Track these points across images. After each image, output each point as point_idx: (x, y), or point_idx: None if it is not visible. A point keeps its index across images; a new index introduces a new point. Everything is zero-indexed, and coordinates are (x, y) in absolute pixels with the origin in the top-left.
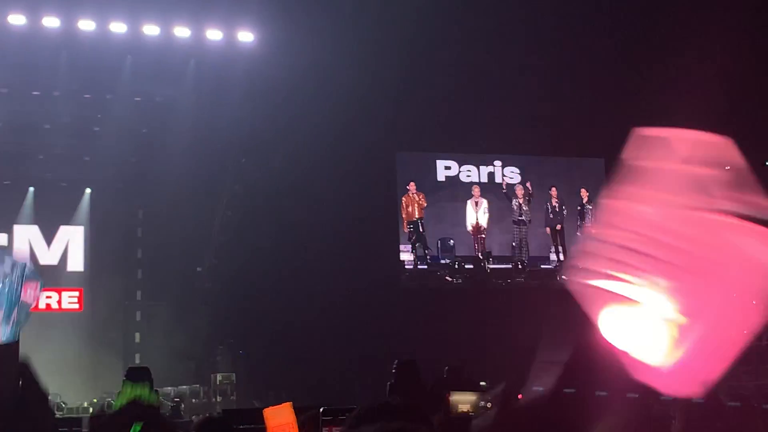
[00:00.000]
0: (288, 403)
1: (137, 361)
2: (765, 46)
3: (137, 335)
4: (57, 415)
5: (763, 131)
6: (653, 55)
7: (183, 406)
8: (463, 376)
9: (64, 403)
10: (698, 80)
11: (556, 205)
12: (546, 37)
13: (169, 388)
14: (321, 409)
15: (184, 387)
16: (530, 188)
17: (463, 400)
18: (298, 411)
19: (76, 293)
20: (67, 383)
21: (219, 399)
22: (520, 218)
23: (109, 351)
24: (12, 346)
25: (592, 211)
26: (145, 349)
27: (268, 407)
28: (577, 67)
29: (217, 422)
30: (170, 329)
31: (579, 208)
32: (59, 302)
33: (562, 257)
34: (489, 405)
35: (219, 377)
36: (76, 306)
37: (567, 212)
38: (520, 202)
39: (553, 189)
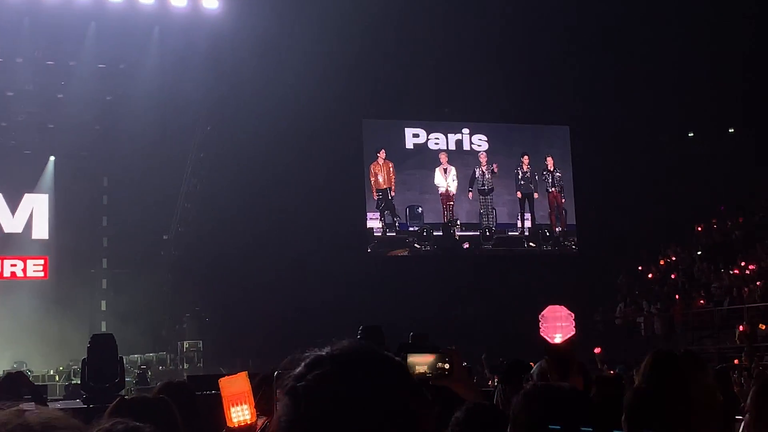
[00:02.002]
0: (243, 372)
1: (103, 328)
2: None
3: (103, 303)
4: None
5: (727, 100)
6: (618, 25)
7: (150, 373)
8: (427, 342)
9: (30, 371)
10: (663, 51)
11: (527, 171)
12: (512, 7)
13: (136, 355)
14: (275, 373)
15: (151, 354)
16: (485, 157)
17: (420, 362)
18: (253, 377)
19: (41, 261)
20: (33, 351)
21: (186, 366)
22: (482, 187)
23: (75, 319)
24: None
25: (559, 178)
26: (111, 316)
27: (223, 377)
28: (542, 37)
29: (177, 387)
30: (136, 297)
31: (545, 173)
32: (24, 270)
33: (528, 224)
34: (447, 366)
35: (186, 344)
36: (41, 274)
37: (537, 179)
38: (483, 170)
39: (525, 157)
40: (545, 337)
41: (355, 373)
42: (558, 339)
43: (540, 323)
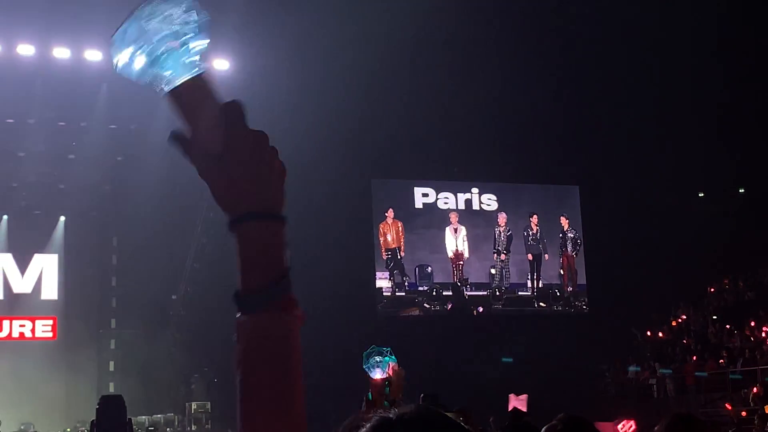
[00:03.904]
0: None
1: (111, 389)
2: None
3: (111, 363)
4: None
5: (737, 160)
6: (628, 84)
7: None
8: (438, 403)
9: None
10: (673, 110)
11: (537, 231)
12: (521, 67)
13: (144, 417)
14: None
15: (159, 416)
16: (504, 219)
17: None
18: None
19: (50, 321)
20: (41, 412)
21: (194, 427)
22: (498, 248)
23: (83, 379)
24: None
25: (572, 239)
26: (120, 377)
27: None
28: (552, 96)
29: None
30: (145, 357)
31: (561, 235)
32: (33, 331)
33: (537, 284)
34: None
35: (194, 406)
36: (50, 334)
37: (546, 239)
38: (501, 230)
39: (534, 216)
40: None
41: None
42: None
43: None
